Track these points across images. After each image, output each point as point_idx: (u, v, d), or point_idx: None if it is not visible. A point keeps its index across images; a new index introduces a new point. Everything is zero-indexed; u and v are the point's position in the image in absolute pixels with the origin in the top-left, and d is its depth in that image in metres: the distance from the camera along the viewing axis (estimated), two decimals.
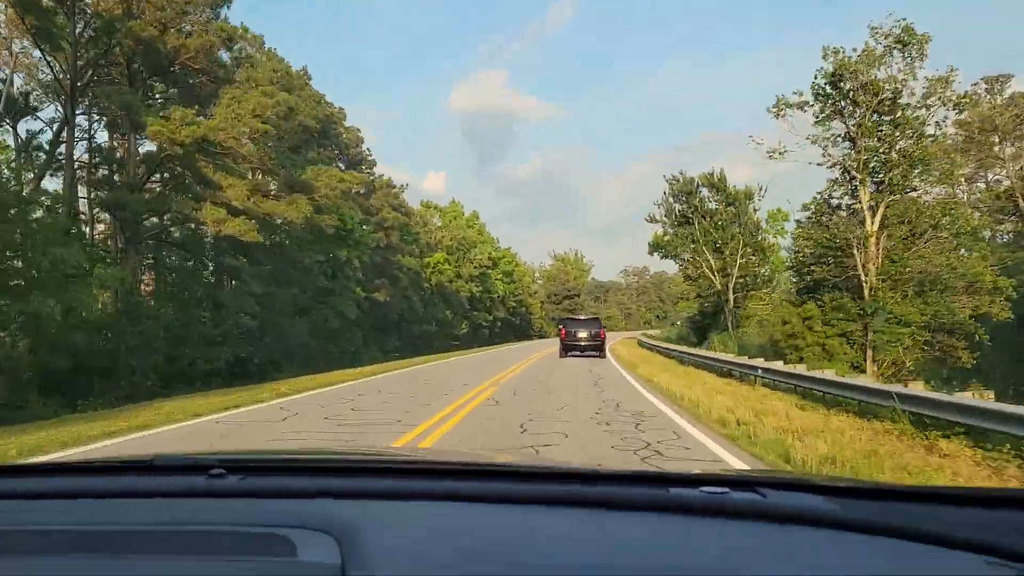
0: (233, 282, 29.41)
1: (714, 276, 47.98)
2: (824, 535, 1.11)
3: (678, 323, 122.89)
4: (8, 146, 27.90)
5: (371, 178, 47.14)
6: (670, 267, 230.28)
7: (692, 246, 48.69)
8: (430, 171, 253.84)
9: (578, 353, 30.50)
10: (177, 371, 27.78)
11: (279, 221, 27.19)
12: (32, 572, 0.90)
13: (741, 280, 47.89)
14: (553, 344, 54.75)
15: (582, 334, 30.71)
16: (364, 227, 40.97)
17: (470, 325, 68.05)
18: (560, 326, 32.17)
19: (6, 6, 25.05)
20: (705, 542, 1.11)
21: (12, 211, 19.24)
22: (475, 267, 65.69)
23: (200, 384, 27.29)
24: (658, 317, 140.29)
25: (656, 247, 59.00)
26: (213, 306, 27.83)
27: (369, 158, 47.74)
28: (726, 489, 1.24)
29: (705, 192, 48.41)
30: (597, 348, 30.35)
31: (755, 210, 47.43)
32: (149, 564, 1.03)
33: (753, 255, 47.40)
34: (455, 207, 67.10)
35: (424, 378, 21.05)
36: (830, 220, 29.90)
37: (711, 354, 28.77)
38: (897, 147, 27.95)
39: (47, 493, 1.38)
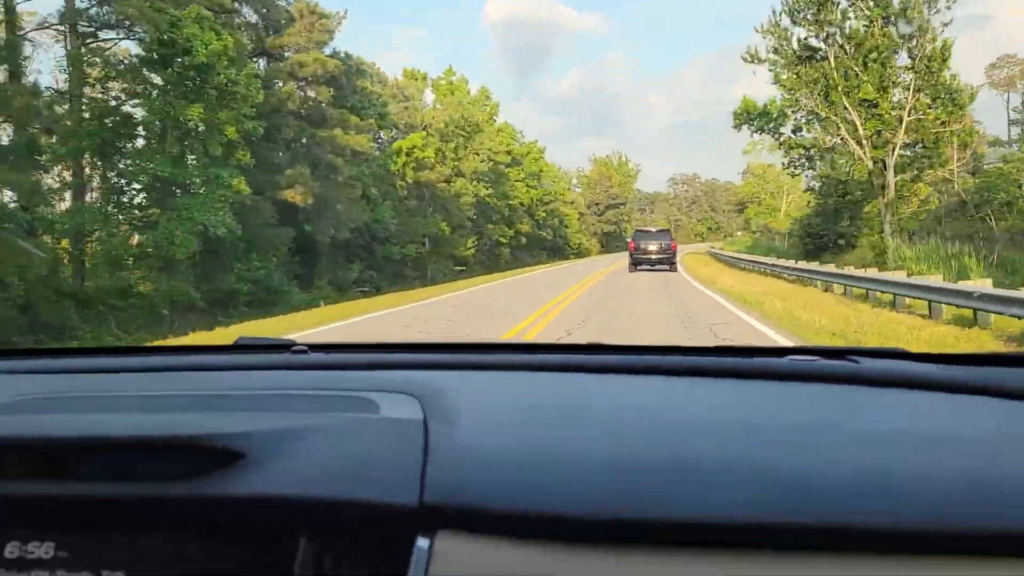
0: None
1: (862, 148, 28.66)
2: (922, 396, 1.10)
3: (739, 234, 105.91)
4: None
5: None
6: (729, 170, 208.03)
7: (824, 101, 29.07)
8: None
9: (648, 267, 29.72)
10: None
11: None
12: (134, 426, 0.94)
13: (905, 155, 28.70)
14: (604, 264, 43.53)
15: (652, 247, 29.95)
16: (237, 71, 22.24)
17: (481, 242, 49.79)
18: (629, 239, 32.08)
19: None
20: (794, 403, 1.09)
21: None
22: (483, 160, 46.70)
23: None
24: (710, 229, 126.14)
25: (745, 117, 39.73)
26: None
27: None
28: (816, 357, 1.23)
29: (845, 4, 28.47)
30: (668, 261, 29.62)
31: (941, 27, 27.15)
32: (228, 419, 1.00)
33: (931, 106, 27.73)
34: (451, 75, 47.30)
35: None
36: None
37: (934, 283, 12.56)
38: None
39: (135, 368, 1.41)
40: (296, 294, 30.78)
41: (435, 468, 0.82)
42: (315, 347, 1.45)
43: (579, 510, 0.73)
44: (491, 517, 0.75)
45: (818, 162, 40.29)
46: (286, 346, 1.45)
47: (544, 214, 65.21)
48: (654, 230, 32.85)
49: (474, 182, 45.37)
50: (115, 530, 0.83)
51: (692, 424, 0.95)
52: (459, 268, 46.35)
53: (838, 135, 29.52)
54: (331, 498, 0.80)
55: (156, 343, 7.71)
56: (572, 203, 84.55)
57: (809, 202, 41.98)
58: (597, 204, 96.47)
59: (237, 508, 0.81)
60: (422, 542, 0.75)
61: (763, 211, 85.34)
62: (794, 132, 39.78)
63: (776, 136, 39.03)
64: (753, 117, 38.75)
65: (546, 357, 1.36)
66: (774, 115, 37.83)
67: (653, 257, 29.78)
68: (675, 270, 29.00)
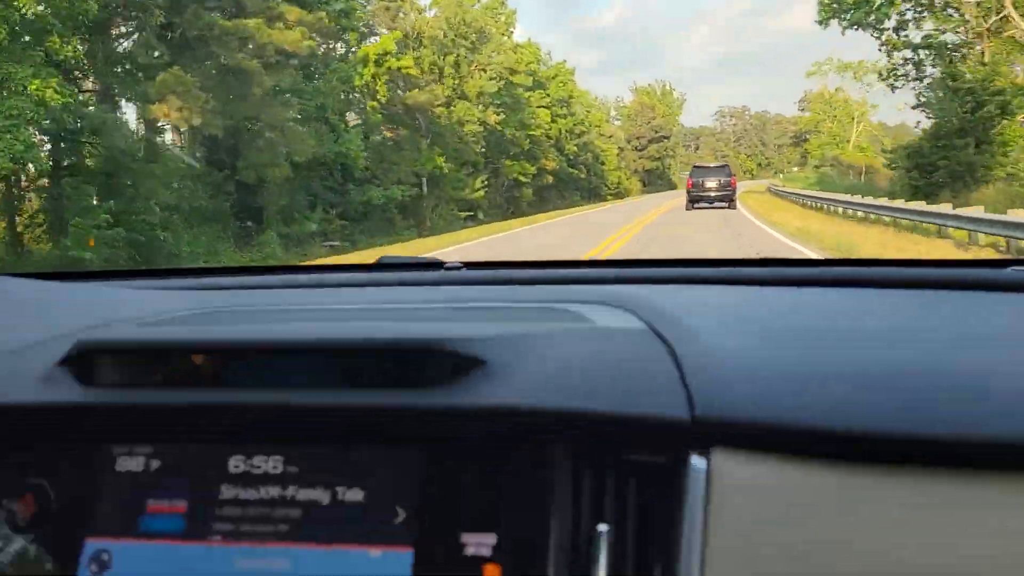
0: None
1: None
2: None
3: (795, 169, 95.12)
4: None
5: None
6: (781, 102, 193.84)
7: None
8: None
9: (706, 205, 28.66)
10: None
11: None
12: (295, 333, 0.88)
13: None
14: (651, 204, 40.63)
15: (711, 183, 28.91)
16: None
17: (496, 183, 40.87)
18: (687, 176, 31.16)
19: None
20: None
21: None
22: (491, 78, 37.38)
23: None
24: (760, 165, 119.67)
25: (834, 9, 30.05)
26: None
27: None
28: None
29: None
30: (727, 199, 28.39)
31: None
32: (447, 326, 0.91)
33: None
34: None
35: None
36: None
37: None
38: None
39: (290, 285, 1.39)
40: (229, 255, 22.65)
41: (696, 380, 0.73)
42: (469, 265, 1.36)
43: (869, 427, 0.66)
44: (768, 433, 0.68)
45: (930, 67, 30.65)
46: (436, 264, 1.37)
47: (576, 148, 55.76)
48: (712, 165, 32.09)
49: (481, 107, 36.20)
50: (349, 444, 0.75)
51: (941, 337, 0.86)
52: (466, 214, 37.64)
53: (997, 15, 19.89)
54: (589, 410, 0.72)
55: None
56: (611, 137, 74.70)
57: (918, 123, 32.38)
58: (639, 138, 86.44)
59: (482, 419, 0.74)
60: (698, 460, 0.68)
61: (828, 141, 74.89)
62: (897, 30, 30.08)
63: (877, 33, 29.42)
64: (847, 8, 29.04)
65: (733, 271, 1.25)
66: (876, 3, 28.17)
67: (712, 194, 28.80)
68: (734, 207, 28.17)
